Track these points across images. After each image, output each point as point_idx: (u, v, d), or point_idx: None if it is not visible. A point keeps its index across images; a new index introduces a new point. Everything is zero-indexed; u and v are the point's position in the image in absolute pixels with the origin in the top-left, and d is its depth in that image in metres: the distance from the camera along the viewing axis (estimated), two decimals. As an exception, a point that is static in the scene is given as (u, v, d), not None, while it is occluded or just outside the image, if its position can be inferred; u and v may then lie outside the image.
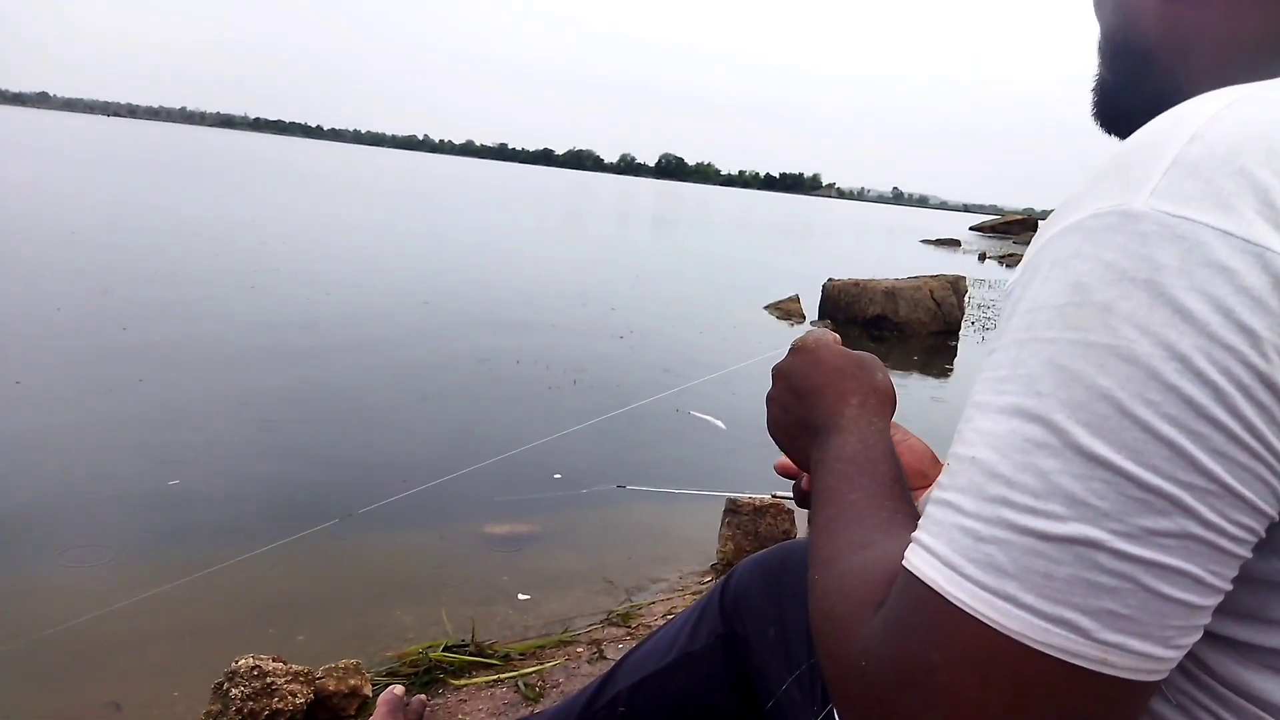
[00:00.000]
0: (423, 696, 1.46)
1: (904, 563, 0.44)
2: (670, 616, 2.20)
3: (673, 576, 2.57)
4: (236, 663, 1.55)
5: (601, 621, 2.18)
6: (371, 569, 2.45)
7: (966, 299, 9.67)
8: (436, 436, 3.68)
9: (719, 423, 4.30)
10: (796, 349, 0.69)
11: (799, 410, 0.65)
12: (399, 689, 1.42)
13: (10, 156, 21.86)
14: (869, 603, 0.46)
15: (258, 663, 1.55)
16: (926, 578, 0.41)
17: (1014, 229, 40.22)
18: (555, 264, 11.28)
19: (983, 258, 21.20)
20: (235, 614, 2.13)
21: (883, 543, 0.51)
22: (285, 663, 1.59)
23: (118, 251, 7.82)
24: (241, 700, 1.49)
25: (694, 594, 2.41)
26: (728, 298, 9.40)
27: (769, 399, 0.69)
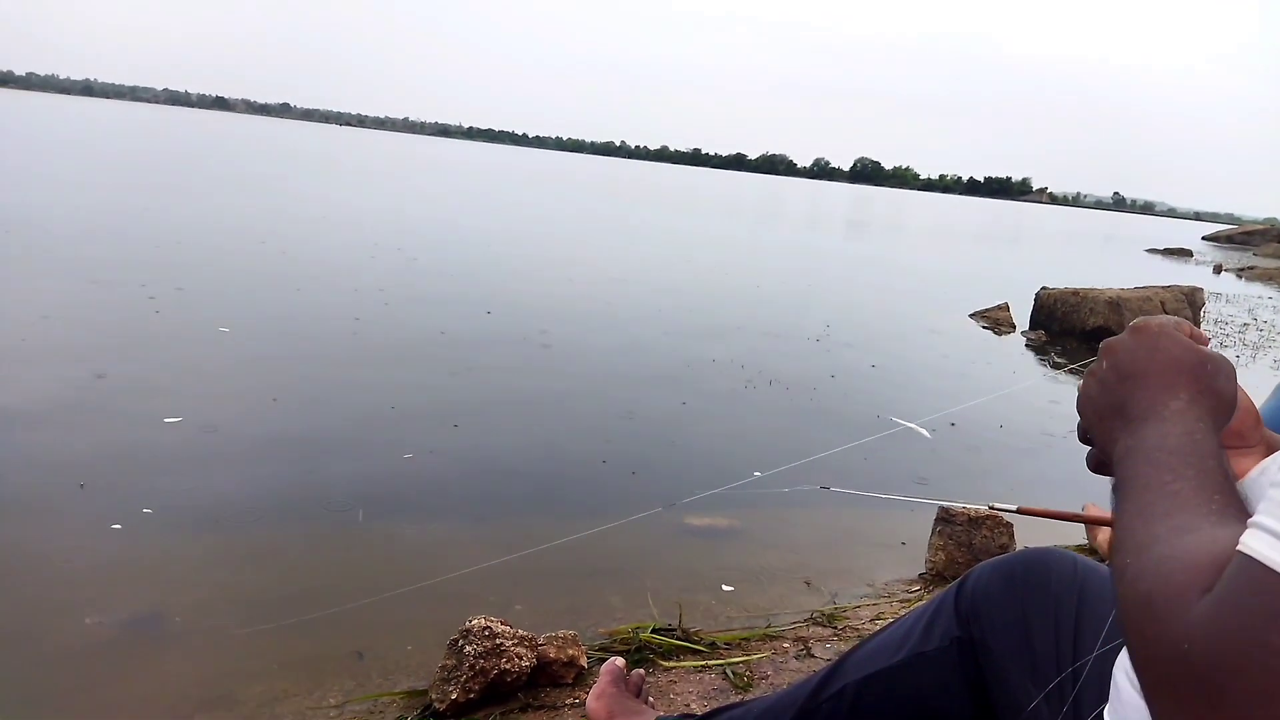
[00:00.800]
0: (642, 671, 1.51)
1: (1240, 547, 0.43)
2: (879, 621, 2.15)
3: (878, 582, 2.51)
4: (470, 622, 1.66)
5: (806, 620, 2.16)
6: (580, 550, 2.55)
7: (1202, 313, 8.78)
8: (681, 440, 3.79)
9: (924, 431, 4.15)
10: (1135, 328, 0.63)
11: (1118, 392, 0.61)
12: (620, 661, 1.47)
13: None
14: (1193, 587, 0.44)
15: (489, 624, 1.66)
16: (1268, 560, 0.40)
17: (1254, 239, 36.43)
18: (750, 269, 11.26)
19: (1218, 270, 19.19)
20: (460, 580, 2.28)
21: (1209, 530, 0.48)
22: (511, 627, 1.69)
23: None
24: (474, 657, 1.60)
25: (902, 602, 2.35)
26: (928, 304, 9.03)
27: (1089, 373, 0.65)
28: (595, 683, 1.44)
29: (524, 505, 2.89)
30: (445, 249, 9.52)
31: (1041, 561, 1.00)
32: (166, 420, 3.18)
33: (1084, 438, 0.68)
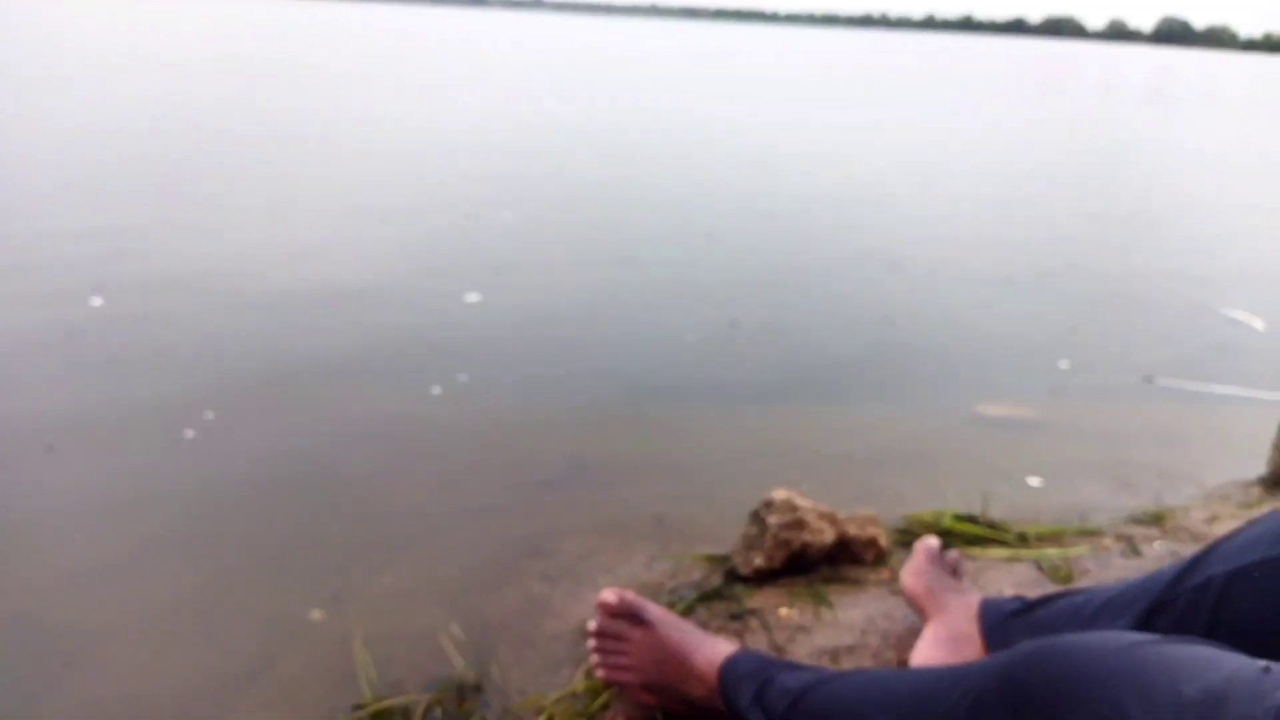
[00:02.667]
0: (958, 552, 1.44)
1: None
2: (1215, 524, 1.92)
3: (1208, 483, 2.24)
4: (773, 494, 1.67)
5: (1126, 519, 1.98)
6: (866, 435, 2.49)
7: None
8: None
9: (1257, 323, 3.61)
10: None
11: None
12: (934, 540, 1.42)
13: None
14: None
15: (790, 497, 1.66)
16: None
17: None
18: (1057, 147, 10.24)
19: None
20: (749, 457, 2.31)
21: None
22: (812, 502, 1.68)
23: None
24: (777, 528, 1.61)
25: (1239, 504, 2.08)
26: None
27: None
28: (906, 561, 1.40)
29: (815, 390, 2.86)
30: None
31: None
32: (468, 300, 3.47)
33: None
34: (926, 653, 1.18)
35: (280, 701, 1.43)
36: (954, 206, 6.14)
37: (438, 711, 1.38)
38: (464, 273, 3.89)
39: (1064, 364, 2.97)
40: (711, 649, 1.18)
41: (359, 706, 1.35)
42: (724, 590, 1.58)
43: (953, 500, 2.02)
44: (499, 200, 5.50)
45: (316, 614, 1.63)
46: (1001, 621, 1.17)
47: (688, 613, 1.50)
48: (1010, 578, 1.63)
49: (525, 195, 5.76)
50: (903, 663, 1.30)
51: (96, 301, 3.21)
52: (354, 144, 7.69)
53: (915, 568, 1.35)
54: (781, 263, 4.43)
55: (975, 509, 1.93)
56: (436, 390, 2.63)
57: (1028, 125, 13.33)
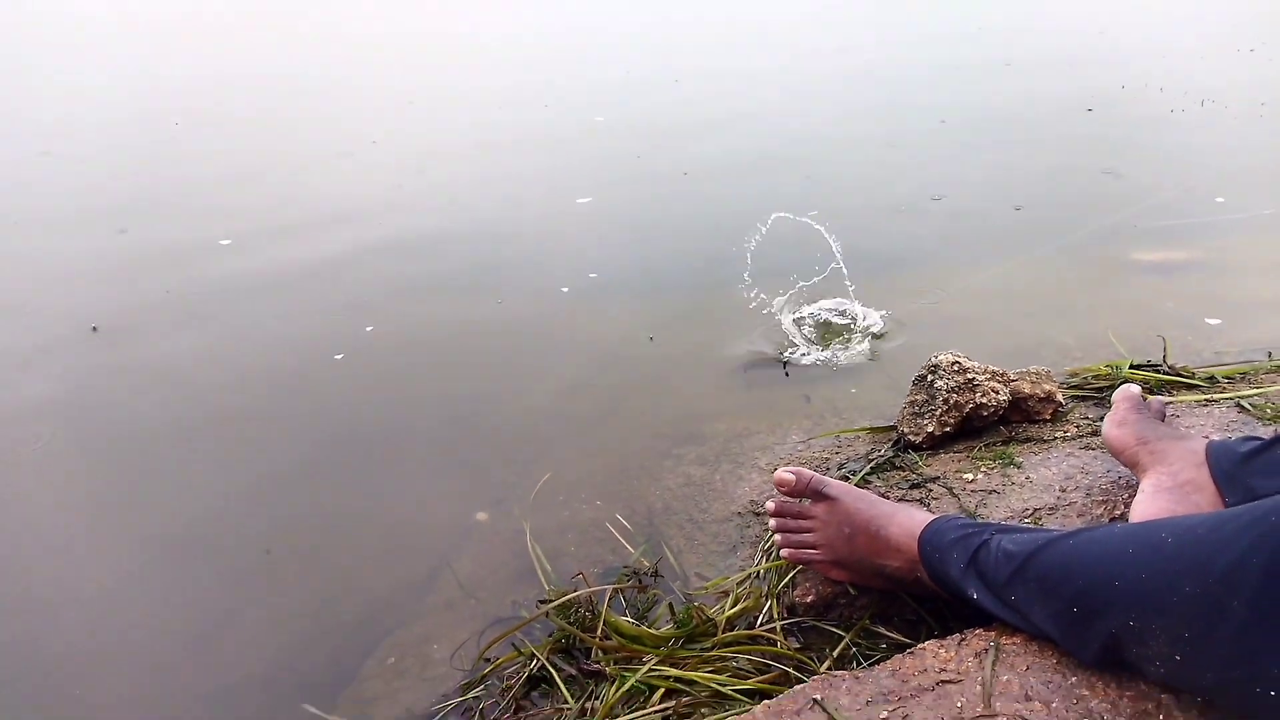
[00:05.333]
0: (1162, 398, 1.32)
1: None
2: None
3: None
4: (937, 357, 1.57)
5: (1323, 351, 1.80)
6: (1014, 290, 2.34)
7: None
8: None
9: None
10: None
11: None
12: (1135, 387, 1.30)
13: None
14: None
15: (957, 359, 1.56)
16: None
17: None
18: None
19: None
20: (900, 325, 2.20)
21: None
22: (979, 362, 1.57)
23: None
24: (946, 391, 1.52)
25: None
26: None
27: None
28: (1108, 412, 1.28)
29: (939, 241, 2.70)
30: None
31: None
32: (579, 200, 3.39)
33: None
34: (1151, 505, 1.08)
35: (462, 600, 1.44)
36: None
37: (620, 599, 1.37)
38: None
39: (1220, 199, 2.72)
40: (907, 518, 1.11)
41: (544, 600, 1.35)
42: (896, 460, 1.50)
43: (1122, 350, 1.88)
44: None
45: (482, 515, 1.63)
46: (1238, 463, 1.05)
47: (862, 486, 1.43)
48: (1211, 421, 1.49)
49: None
50: (1115, 519, 1.21)
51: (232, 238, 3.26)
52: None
53: (1119, 417, 1.24)
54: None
55: (1150, 356, 1.79)
56: (565, 289, 2.60)
57: None
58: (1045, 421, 1.58)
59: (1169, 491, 1.08)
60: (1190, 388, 1.66)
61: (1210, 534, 0.77)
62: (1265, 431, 1.38)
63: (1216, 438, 1.37)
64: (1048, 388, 1.59)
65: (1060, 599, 0.88)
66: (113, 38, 10.31)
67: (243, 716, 1.30)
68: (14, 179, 4.30)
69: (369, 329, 2.43)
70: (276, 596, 1.51)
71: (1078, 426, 1.52)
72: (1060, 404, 1.59)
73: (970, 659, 0.96)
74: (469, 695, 1.24)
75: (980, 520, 1.15)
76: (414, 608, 1.44)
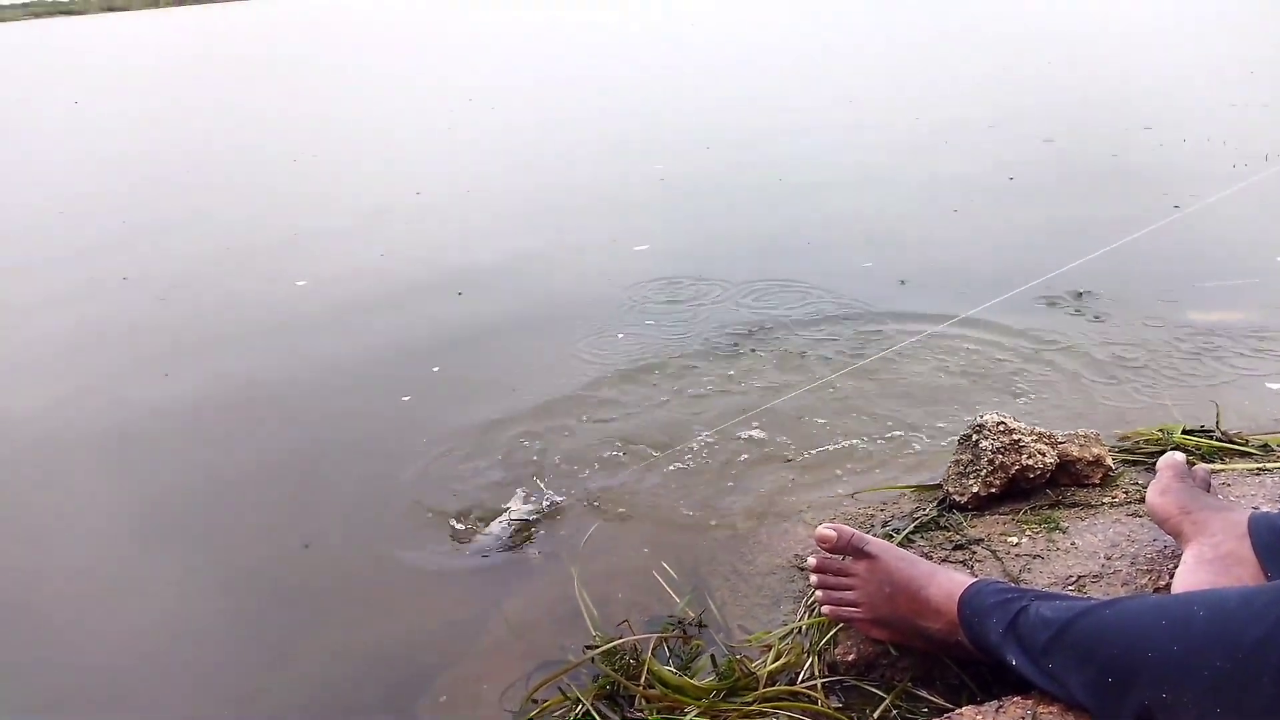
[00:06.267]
0: (1207, 467, 1.33)
1: None
2: None
3: None
4: (982, 417, 1.58)
5: (1384, 422, 1.77)
6: (1073, 350, 2.33)
7: None
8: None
9: None
10: None
11: None
12: (1180, 455, 1.30)
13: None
14: None
15: (1002, 419, 1.57)
16: None
17: None
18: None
19: None
20: (952, 375, 2.22)
21: None
22: (1026, 423, 1.59)
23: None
24: (992, 452, 1.53)
25: None
26: None
27: None
28: (1152, 480, 1.29)
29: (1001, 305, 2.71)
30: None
31: None
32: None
33: None
34: (1192, 576, 1.08)
35: (511, 642, 1.49)
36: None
37: (664, 648, 1.40)
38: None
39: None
40: (948, 580, 1.13)
41: (590, 646, 1.39)
42: (941, 519, 1.52)
43: (1177, 415, 1.87)
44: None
45: (534, 553, 1.69)
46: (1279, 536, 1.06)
47: (905, 545, 1.45)
48: (1263, 491, 1.48)
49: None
50: (1159, 589, 1.21)
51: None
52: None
53: (1163, 485, 1.25)
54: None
55: (1203, 421, 1.78)
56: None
57: None
58: (1094, 486, 1.58)
59: (1210, 563, 1.09)
60: (1243, 455, 1.64)
61: (1240, 608, 0.78)
62: (1317, 504, 1.37)
63: (1265, 508, 1.36)
64: (1097, 451, 1.59)
65: (1094, 668, 0.90)
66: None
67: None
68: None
69: (435, 369, 2.53)
70: (335, 632, 1.58)
71: (1126, 492, 1.52)
72: (1110, 468, 1.59)
73: (1007, 726, 0.97)
74: (518, 735, 1.28)
75: (1021, 585, 1.16)
76: (465, 648, 1.50)
